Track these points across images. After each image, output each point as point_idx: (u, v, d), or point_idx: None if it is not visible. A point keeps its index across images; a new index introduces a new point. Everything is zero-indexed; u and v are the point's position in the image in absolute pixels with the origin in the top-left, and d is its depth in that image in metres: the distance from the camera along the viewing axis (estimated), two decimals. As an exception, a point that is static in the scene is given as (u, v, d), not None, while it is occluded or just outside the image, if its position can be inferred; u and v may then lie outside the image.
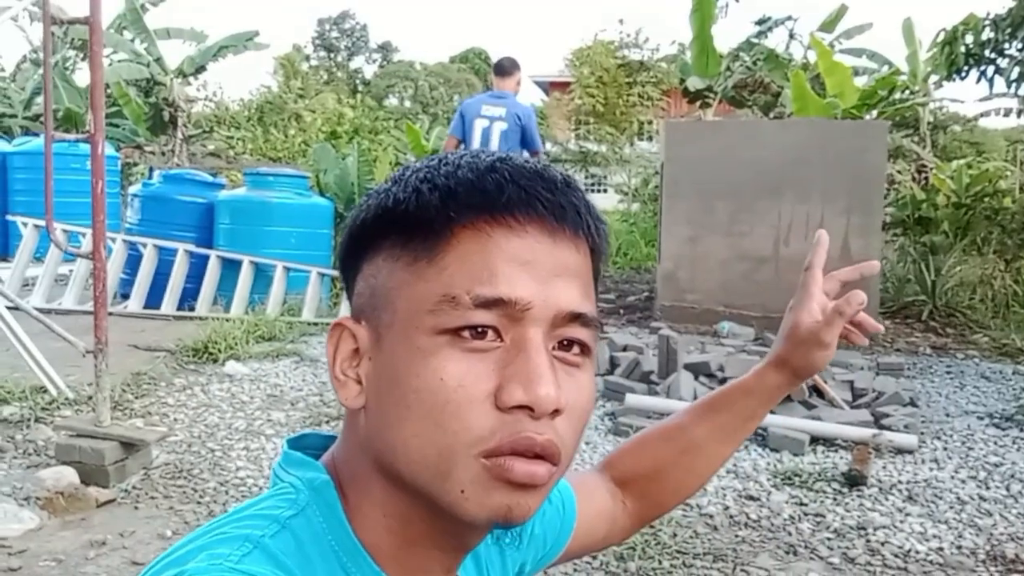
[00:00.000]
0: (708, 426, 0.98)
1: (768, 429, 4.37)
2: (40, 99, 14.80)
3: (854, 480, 3.86)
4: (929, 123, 9.78)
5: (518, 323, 0.61)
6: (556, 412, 0.61)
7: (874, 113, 9.66)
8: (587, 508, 0.94)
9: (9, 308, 4.90)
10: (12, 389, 4.64)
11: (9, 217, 9.46)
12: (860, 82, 10.68)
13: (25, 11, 15.44)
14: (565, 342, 0.64)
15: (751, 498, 3.72)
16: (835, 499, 3.72)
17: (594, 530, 0.96)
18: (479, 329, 0.61)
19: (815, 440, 4.39)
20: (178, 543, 0.62)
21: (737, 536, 3.36)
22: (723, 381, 5.01)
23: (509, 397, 0.60)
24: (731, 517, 3.53)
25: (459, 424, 0.60)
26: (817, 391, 4.96)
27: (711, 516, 3.52)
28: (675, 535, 3.31)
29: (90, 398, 4.25)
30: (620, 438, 4.40)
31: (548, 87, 21.42)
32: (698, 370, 5.20)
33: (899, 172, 9.46)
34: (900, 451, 4.28)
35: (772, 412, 4.74)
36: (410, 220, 0.63)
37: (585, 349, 0.65)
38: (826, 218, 7.10)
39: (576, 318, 0.63)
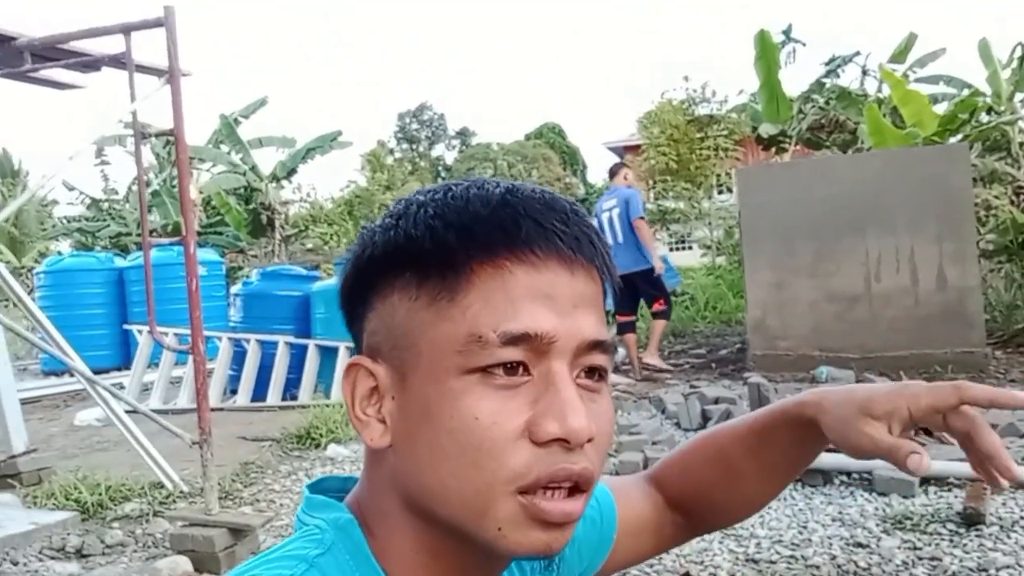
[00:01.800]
0: (755, 464, 0.91)
1: (874, 472, 4.23)
2: (151, 216, 15.84)
3: (971, 519, 3.66)
4: (1021, 143, 9.42)
5: (544, 356, 0.62)
6: (588, 441, 0.62)
7: (958, 137, 9.39)
8: (629, 516, 0.93)
9: (128, 412, 5.25)
10: (132, 486, 4.92)
11: (126, 326, 10.12)
12: (941, 109, 10.42)
13: (132, 138, 16.65)
14: (586, 370, 0.65)
15: (860, 545, 3.60)
16: (951, 541, 3.54)
17: (639, 539, 0.94)
18: (508, 365, 0.61)
19: (925, 480, 4.18)
20: None
21: (845, 585, 3.26)
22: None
23: (544, 431, 0.60)
24: (839, 567, 3.41)
25: (496, 462, 0.60)
26: (924, 428, 4.78)
27: (817, 567, 3.41)
28: (779, 588, 3.24)
29: (202, 490, 4.48)
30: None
31: (622, 151, 21.66)
32: (794, 415, 5.08)
33: (996, 197, 9.12)
34: (1020, 486, 4.07)
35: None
36: (426, 258, 0.63)
37: (603, 374, 0.66)
38: (916, 248, 6.90)
39: (596, 346, 0.64)
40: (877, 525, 3.77)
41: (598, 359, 0.65)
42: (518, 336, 0.61)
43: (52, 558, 4.10)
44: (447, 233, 0.63)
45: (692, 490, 0.95)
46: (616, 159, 22.28)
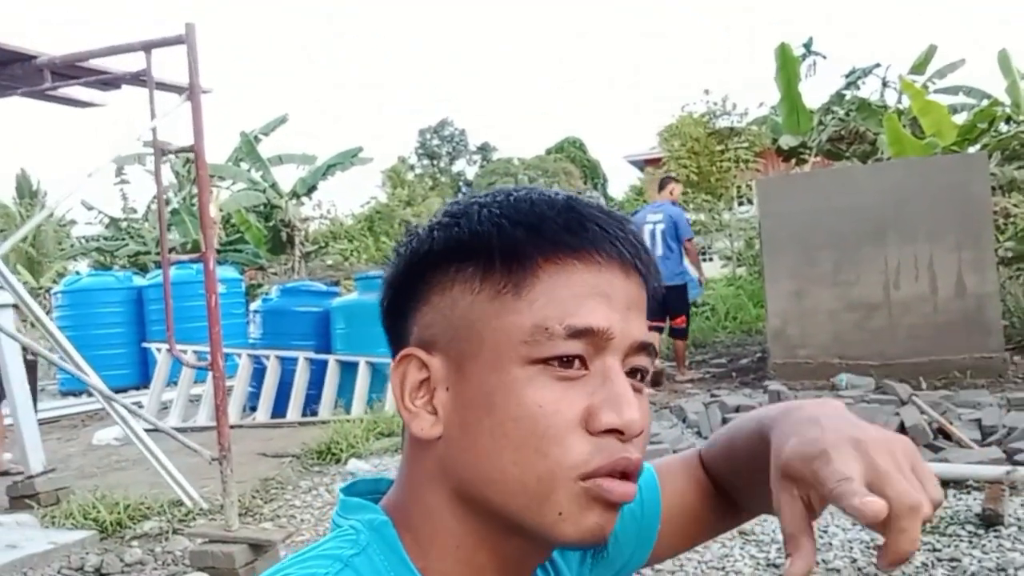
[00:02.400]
0: (749, 496, 0.86)
1: (896, 478, 4.18)
2: (170, 234, 15.97)
3: (990, 520, 3.67)
4: (1041, 151, 9.35)
5: (601, 352, 0.65)
6: (640, 433, 0.65)
7: (977, 147, 9.33)
8: (675, 503, 0.90)
9: (148, 430, 5.26)
10: (151, 504, 4.92)
11: (144, 344, 10.16)
12: (960, 119, 10.36)
13: (151, 157, 16.81)
14: (633, 370, 0.67)
15: (880, 548, 3.55)
16: (970, 542, 3.55)
17: (686, 525, 0.91)
18: (566, 358, 0.64)
19: (944, 483, 4.16)
20: None
21: (867, 591, 3.22)
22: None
23: (602, 422, 0.63)
24: (859, 570, 3.41)
25: (559, 448, 0.63)
26: (943, 432, 4.74)
27: (838, 571, 3.41)
28: (802, 594, 3.19)
29: (222, 506, 4.48)
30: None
31: (643, 164, 21.63)
32: (816, 425, 5.02)
33: (1015, 205, 9.06)
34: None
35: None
36: (492, 253, 0.66)
37: (645, 375, 0.69)
38: (936, 256, 6.87)
39: (644, 347, 0.67)
40: (897, 528, 3.72)
41: (643, 360, 0.68)
42: (582, 330, 0.64)
43: (71, 577, 4.10)
44: (515, 230, 0.66)
45: (734, 477, 0.89)
46: (636, 172, 22.33)
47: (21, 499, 5.16)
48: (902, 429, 4.71)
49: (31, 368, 5.69)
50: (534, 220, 0.66)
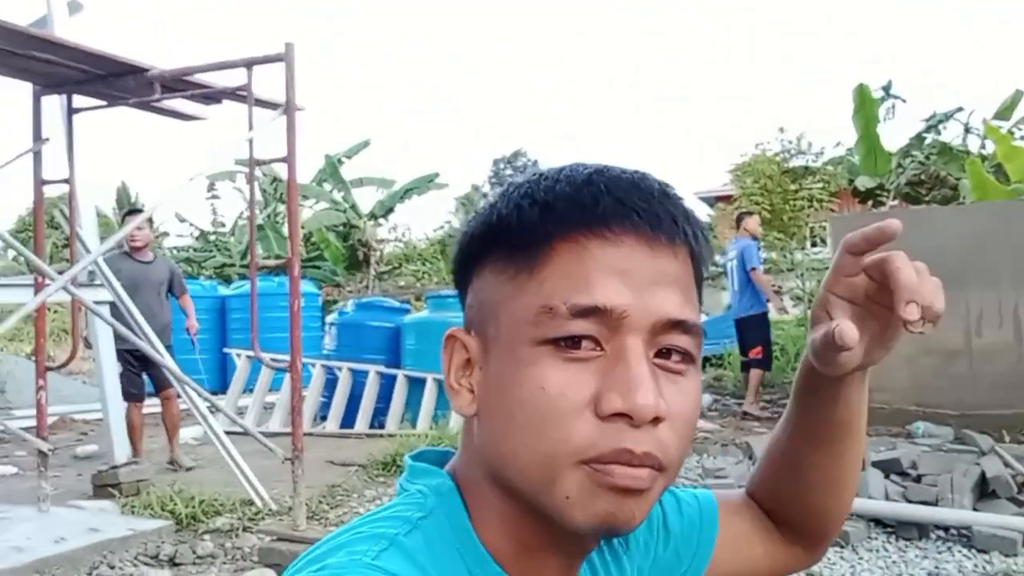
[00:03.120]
0: (802, 436, 0.85)
1: (973, 528, 4.09)
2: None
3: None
4: None
5: (617, 332, 0.62)
6: (657, 420, 0.61)
7: (1069, 193, 9.02)
8: (732, 529, 0.90)
9: (227, 432, 5.48)
10: (224, 502, 5.10)
11: (225, 350, 10.53)
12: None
13: (241, 174, 17.44)
14: (666, 350, 0.64)
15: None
16: (1048, 598, 3.43)
17: (742, 553, 0.90)
18: (576, 339, 0.62)
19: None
20: (317, 543, 0.66)
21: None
22: (918, 480, 4.73)
23: (608, 405, 0.60)
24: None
25: (561, 433, 0.61)
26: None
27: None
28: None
29: (290, 509, 4.62)
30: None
31: (713, 200, 21.48)
32: (888, 468, 4.91)
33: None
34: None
35: (976, 510, 4.44)
36: (512, 235, 0.65)
37: (688, 357, 0.65)
38: (1020, 304, 6.66)
39: (677, 325, 0.63)
40: (975, 583, 3.64)
41: (679, 340, 0.64)
42: (588, 309, 0.61)
43: (146, 564, 4.28)
44: (531, 210, 0.65)
45: (773, 496, 0.90)
46: (706, 208, 22.16)
47: (104, 487, 5.41)
48: (983, 480, 4.59)
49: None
50: (550, 199, 0.65)
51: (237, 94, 4.42)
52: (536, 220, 0.64)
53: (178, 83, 4.48)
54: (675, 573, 0.86)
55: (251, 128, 4.13)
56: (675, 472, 0.64)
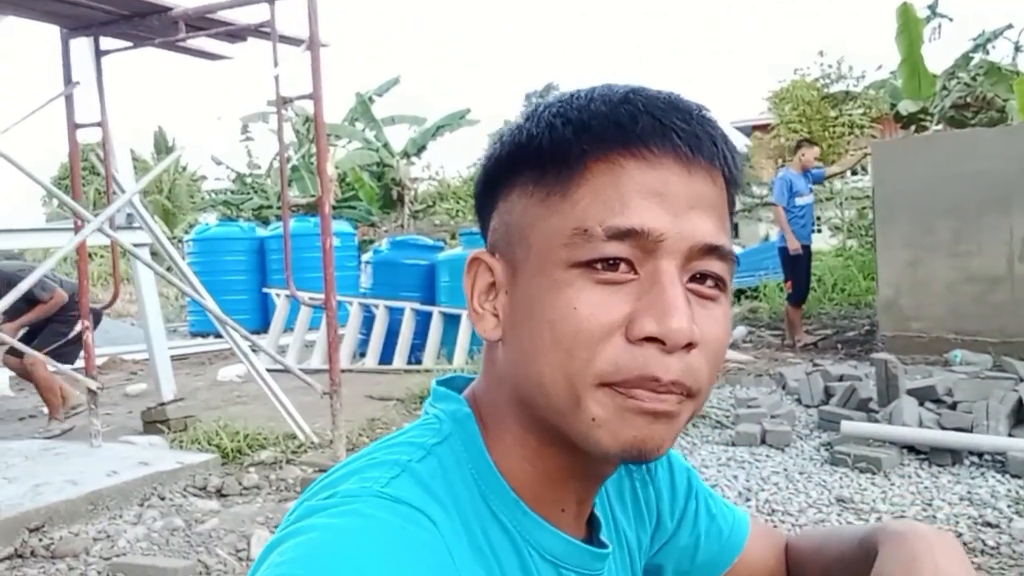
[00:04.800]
0: None
1: (1007, 454, 4.07)
2: (290, 189, 16.55)
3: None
4: None
5: (652, 255, 0.60)
6: (690, 346, 0.60)
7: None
8: (753, 559, 0.90)
9: (269, 370, 5.60)
10: (268, 436, 5.25)
11: (265, 289, 10.72)
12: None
13: (274, 115, 17.48)
14: (699, 275, 0.63)
15: (989, 525, 3.49)
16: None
17: None
18: (611, 261, 0.60)
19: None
20: (334, 468, 0.66)
21: (973, 563, 3.17)
22: (953, 407, 4.71)
23: (640, 329, 0.59)
24: (965, 544, 3.32)
25: (589, 353, 0.60)
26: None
27: (942, 543, 3.34)
28: (899, 561, 3.18)
29: (331, 442, 4.74)
30: (837, 468, 4.26)
31: (751, 130, 21.06)
32: (923, 395, 4.90)
33: None
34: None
35: (1012, 436, 4.40)
36: (544, 155, 0.63)
37: (721, 283, 0.64)
38: (1066, 229, 6.50)
39: (712, 251, 0.62)
40: (1009, 506, 3.64)
41: (714, 266, 0.63)
42: (624, 231, 0.60)
43: (194, 495, 4.44)
44: (565, 129, 0.63)
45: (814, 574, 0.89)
46: (744, 138, 21.75)
47: (154, 423, 5.60)
48: (1020, 406, 4.55)
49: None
50: (585, 117, 0.63)
51: (260, 31, 4.41)
52: (570, 139, 0.62)
53: (202, 21, 4.48)
54: (679, 569, 0.88)
55: (275, 64, 4.13)
56: (703, 398, 0.64)
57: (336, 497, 0.60)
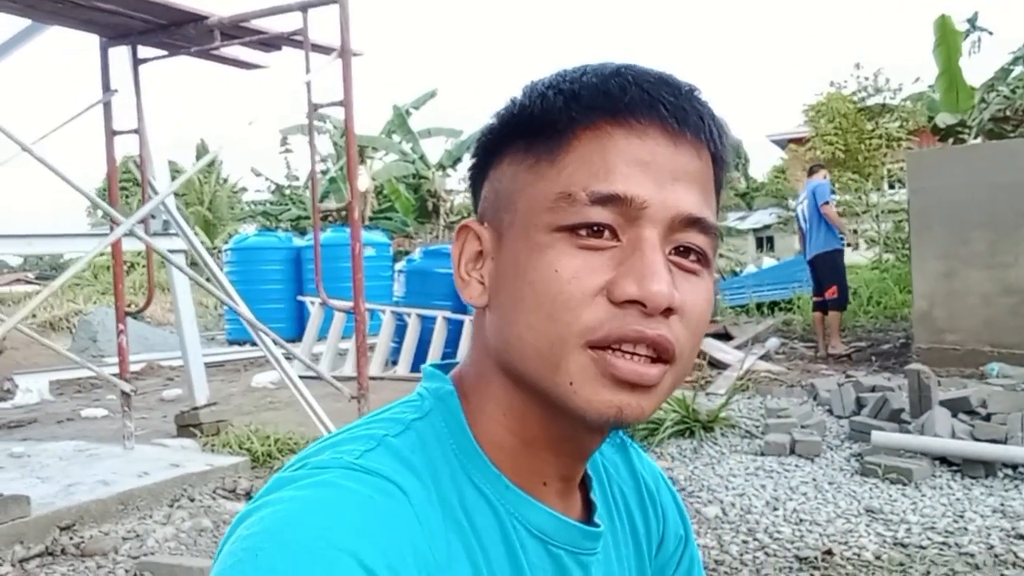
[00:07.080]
0: None
1: (1042, 467, 3.99)
2: (326, 200, 16.74)
3: None
4: None
5: (634, 223, 0.61)
6: (670, 311, 0.61)
7: None
8: None
9: (302, 376, 5.67)
10: (298, 440, 5.31)
11: (299, 297, 10.86)
12: None
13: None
14: (683, 248, 0.63)
15: (1021, 537, 3.42)
16: None
17: None
18: (595, 228, 0.61)
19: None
20: (313, 443, 0.67)
21: (1004, 576, 3.11)
22: (987, 418, 4.62)
23: (622, 291, 0.60)
24: (996, 556, 3.27)
25: (570, 315, 0.60)
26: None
27: (972, 555, 3.28)
28: (928, 573, 3.13)
29: (360, 446, 4.77)
30: (867, 479, 4.21)
31: (786, 143, 20.90)
32: (956, 407, 4.80)
33: None
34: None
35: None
36: (535, 123, 0.65)
37: (703, 259, 0.65)
38: (1106, 241, 6.37)
39: (695, 223, 0.63)
40: (1042, 519, 3.56)
41: (696, 239, 0.64)
42: (607, 196, 0.61)
43: (224, 497, 4.50)
44: (556, 99, 0.64)
45: None
46: (779, 151, 21.59)
47: (187, 427, 5.69)
48: (1056, 420, 4.45)
49: None
50: (576, 88, 0.64)
51: (293, 39, 4.50)
52: (560, 107, 0.64)
53: (236, 30, 4.58)
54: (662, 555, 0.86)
55: (308, 72, 4.21)
56: (684, 368, 0.64)
57: (306, 468, 0.61)
